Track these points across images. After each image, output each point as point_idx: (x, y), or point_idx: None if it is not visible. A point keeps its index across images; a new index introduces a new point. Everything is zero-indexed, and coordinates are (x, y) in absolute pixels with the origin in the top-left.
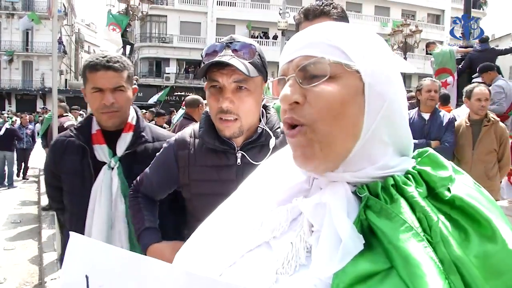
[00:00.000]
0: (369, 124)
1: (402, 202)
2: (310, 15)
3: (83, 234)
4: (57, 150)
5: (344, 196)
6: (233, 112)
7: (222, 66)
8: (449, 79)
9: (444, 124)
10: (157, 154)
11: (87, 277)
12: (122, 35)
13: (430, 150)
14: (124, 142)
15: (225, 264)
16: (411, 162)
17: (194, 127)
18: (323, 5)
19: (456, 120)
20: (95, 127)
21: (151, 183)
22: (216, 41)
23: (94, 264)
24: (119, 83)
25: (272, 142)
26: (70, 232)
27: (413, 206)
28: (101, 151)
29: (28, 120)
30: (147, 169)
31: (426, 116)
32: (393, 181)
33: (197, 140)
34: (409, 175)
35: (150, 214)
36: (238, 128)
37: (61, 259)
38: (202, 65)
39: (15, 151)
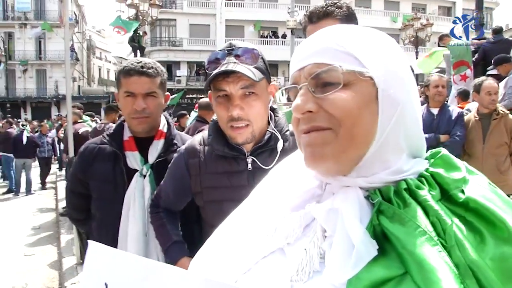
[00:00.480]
0: (383, 129)
1: (415, 207)
2: (314, 18)
3: (112, 240)
4: (87, 157)
5: (357, 201)
6: (244, 118)
7: (227, 74)
8: (468, 72)
9: (453, 118)
10: (169, 165)
11: (106, 285)
12: (133, 40)
13: (443, 151)
14: (155, 149)
15: (240, 270)
16: (424, 163)
17: (203, 134)
18: (326, 6)
19: (466, 114)
20: (127, 134)
21: (168, 195)
22: (225, 42)
23: (113, 272)
24: (151, 89)
25: (280, 145)
26: (89, 241)
27: (426, 210)
28: (133, 158)
29: (47, 128)
30: (162, 182)
31: (435, 111)
32: (406, 185)
33: (207, 148)
34: (422, 178)
35: (174, 228)
36: (251, 133)
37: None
38: (206, 73)
39: (37, 160)
